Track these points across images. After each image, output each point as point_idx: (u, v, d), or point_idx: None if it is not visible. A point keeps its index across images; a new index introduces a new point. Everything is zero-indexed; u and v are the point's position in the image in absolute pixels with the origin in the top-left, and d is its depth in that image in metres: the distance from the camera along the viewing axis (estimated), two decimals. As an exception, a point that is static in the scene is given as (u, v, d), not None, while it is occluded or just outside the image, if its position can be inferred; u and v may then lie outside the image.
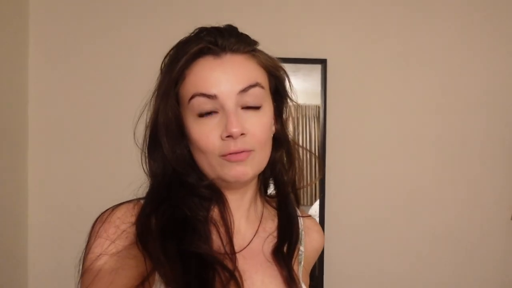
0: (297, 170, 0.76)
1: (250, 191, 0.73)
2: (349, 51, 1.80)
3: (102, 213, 0.64)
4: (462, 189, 1.80)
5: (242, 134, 0.63)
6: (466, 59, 1.81)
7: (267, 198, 0.79)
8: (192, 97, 0.64)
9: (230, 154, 0.64)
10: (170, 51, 0.68)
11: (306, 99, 1.80)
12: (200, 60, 0.65)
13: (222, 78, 0.64)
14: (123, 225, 0.61)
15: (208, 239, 0.64)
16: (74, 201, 1.69)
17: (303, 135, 1.82)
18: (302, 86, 1.78)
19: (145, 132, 0.69)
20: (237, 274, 0.62)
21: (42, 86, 1.71)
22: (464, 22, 1.82)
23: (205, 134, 0.64)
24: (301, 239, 0.78)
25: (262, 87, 0.67)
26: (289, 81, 0.75)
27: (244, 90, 0.64)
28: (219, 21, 0.70)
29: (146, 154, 0.69)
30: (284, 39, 1.74)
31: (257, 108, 0.66)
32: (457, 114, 1.81)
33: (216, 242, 0.65)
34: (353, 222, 1.78)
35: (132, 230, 0.61)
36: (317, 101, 1.78)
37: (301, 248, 0.77)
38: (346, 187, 1.78)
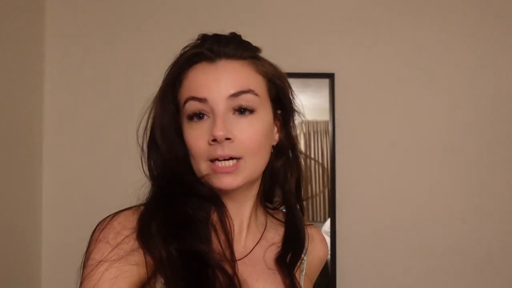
0: (301, 181, 0.76)
1: (250, 201, 0.72)
2: (357, 64, 1.78)
3: (102, 220, 0.63)
4: (474, 201, 1.75)
5: (228, 138, 0.63)
6: (476, 70, 1.78)
7: (269, 210, 0.79)
8: (186, 101, 0.66)
9: (217, 160, 0.64)
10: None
11: (316, 115, 1.77)
12: (196, 66, 0.67)
13: (213, 82, 0.65)
14: (123, 232, 0.60)
15: (208, 241, 0.64)
16: (89, 206, 1.68)
17: (315, 151, 1.79)
18: (311, 103, 1.76)
19: (144, 135, 0.71)
20: (236, 281, 0.62)
21: (57, 90, 1.75)
22: (474, 31, 1.79)
23: (195, 138, 0.65)
24: (305, 249, 0.77)
25: (256, 94, 0.67)
26: (291, 90, 0.75)
27: (235, 95, 0.65)
28: (226, 32, 0.71)
29: (146, 156, 0.71)
30: (290, 53, 1.73)
31: (249, 114, 0.66)
32: (468, 126, 1.77)
33: (216, 247, 0.65)
34: (364, 235, 1.74)
35: (133, 236, 0.60)
36: (327, 116, 1.74)
37: (304, 257, 0.77)
38: (357, 201, 1.75)
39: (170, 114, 0.68)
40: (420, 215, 1.74)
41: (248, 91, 0.65)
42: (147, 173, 0.70)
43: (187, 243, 0.61)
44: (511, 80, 1.78)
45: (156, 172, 0.70)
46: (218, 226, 0.67)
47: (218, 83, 0.65)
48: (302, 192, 0.77)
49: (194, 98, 0.65)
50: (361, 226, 1.73)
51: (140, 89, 1.58)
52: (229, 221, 0.67)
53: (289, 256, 0.73)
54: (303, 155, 0.78)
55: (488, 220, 1.74)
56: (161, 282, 0.60)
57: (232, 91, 0.64)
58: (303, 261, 0.77)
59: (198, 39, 0.69)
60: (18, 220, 1.58)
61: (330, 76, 1.75)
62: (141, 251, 0.60)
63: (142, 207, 0.66)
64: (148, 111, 0.71)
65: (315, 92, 1.75)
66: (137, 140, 0.71)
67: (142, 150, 0.71)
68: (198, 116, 0.65)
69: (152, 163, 0.70)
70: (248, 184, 0.69)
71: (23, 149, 1.62)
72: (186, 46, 0.70)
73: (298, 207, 0.78)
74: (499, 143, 1.76)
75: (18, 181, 1.59)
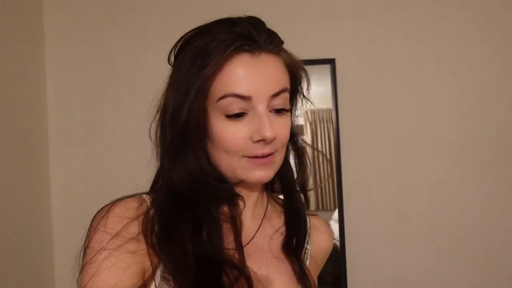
0: (306, 171, 0.75)
1: (259, 186, 0.72)
2: (358, 49, 1.76)
3: (101, 208, 0.62)
4: (483, 189, 1.72)
5: (273, 138, 0.63)
6: (482, 56, 1.74)
7: (273, 195, 0.79)
8: (223, 96, 0.62)
9: (256, 157, 0.63)
10: (189, 39, 0.65)
11: (321, 103, 1.75)
12: (236, 56, 0.62)
13: (257, 80, 0.62)
14: (123, 220, 0.60)
15: (220, 237, 0.63)
16: (98, 204, 1.66)
17: (322, 140, 1.78)
18: (316, 91, 1.72)
19: (160, 127, 0.67)
20: (246, 272, 0.62)
21: (59, 90, 1.76)
22: (479, 18, 1.75)
23: (232, 134, 0.63)
24: (308, 237, 0.77)
25: (289, 92, 0.67)
26: (308, 82, 0.73)
27: (276, 94, 0.64)
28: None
29: (161, 152, 0.67)
30: (289, 40, 1.68)
31: (284, 112, 0.66)
32: (474, 112, 1.74)
33: (226, 238, 0.64)
34: (372, 223, 1.73)
35: (133, 224, 0.60)
36: (331, 104, 1.73)
37: (307, 246, 0.76)
38: (363, 188, 1.74)
39: (201, 105, 0.63)
40: (427, 201, 1.72)
41: (285, 90, 0.65)
42: (165, 166, 0.67)
43: (198, 242, 0.60)
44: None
45: (180, 168, 0.65)
46: (226, 216, 0.66)
47: (262, 81, 0.62)
48: (306, 183, 0.76)
49: (236, 96, 0.61)
50: (368, 213, 1.73)
51: (144, 85, 1.60)
52: (239, 214, 0.66)
53: (294, 240, 0.72)
54: (304, 143, 0.77)
55: (499, 213, 1.71)
56: (160, 270, 0.60)
57: (275, 90, 0.63)
58: (306, 251, 0.76)
59: (227, 23, 0.64)
60: (28, 222, 1.60)
61: (331, 62, 1.73)
62: (141, 240, 0.59)
63: (143, 195, 0.66)
64: (162, 100, 0.67)
65: (319, 80, 1.73)
66: (149, 135, 0.69)
67: (156, 145, 0.68)
68: (238, 113, 0.63)
69: (172, 159, 0.66)
70: None
71: (29, 149, 1.63)
72: (213, 29, 0.63)
73: (302, 196, 0.77)
74: (509, 130, 1.73)
75: (26, 183, 1.60)
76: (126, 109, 1.74)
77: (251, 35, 0.62)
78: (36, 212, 1.66)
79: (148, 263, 0.59)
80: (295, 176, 0.75)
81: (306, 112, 1.74)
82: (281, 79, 0.65)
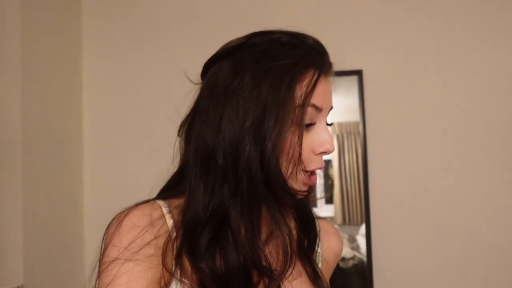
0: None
1: None
2: (386, 60, 1.75)
3: (117, 215, 0.62)
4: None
5: None
6: (510, 63, 1.69)
7: None
8: (308, 105, 0.62)
9: (312, 174, 0.65)
10: (253, 44, 0.64)
11: (349, 116, 1.74)
12: (320, 75, 0.65)
13: (328, 94, 0.67)
14: (136, 229, 0.59)
15: (258, 239, 0.63)
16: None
17: (349, 153, 1.75)
18: (343, 103, 1.74)
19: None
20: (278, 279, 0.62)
21: (95, 96, 1.84)
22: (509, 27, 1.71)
23: (304, 145, 0.63)
24: (318, 241, 0.77)
25: None
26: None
27: (331, 108, 0.68)
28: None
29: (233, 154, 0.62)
30: None
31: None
32: (505, 119, 1.68)
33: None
34: (400, 239, 1.69)
35: (147, 232, 0.60)
36: (358, 117, 1.72)
37: (318, 249, 0.76)
38: (391, 203, 1.70)
39: (289, 107, 0.61)
40: (458, 215, 1.67)
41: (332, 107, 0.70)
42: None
43: (231, 250, 0.61)
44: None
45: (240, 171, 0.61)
46: (270, 229, 0.64)
47: (329, 96, 0.67)
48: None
49: (314, 106, 0.64)
50: (396, 227, 1.69)
51: (176, 89, 1.65)
52: (284, 231, 0.64)
53: (306, 242, 0.73)
54: None
55: None
56: (177, 275, 0.60)
57: (332, 105, 0.68)
58: (318, 254, 0.76)
59: (311, 44, 0.67)
60: (60, 222, 1.65)
61: (358, 73, 1.72)
62: (156, 245, 0.59)
63: (157, 201, 0.65)
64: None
65: (346, 92, 1.72)
66: (179, 135, 0.70)
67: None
68: (310, 123, 0.64)
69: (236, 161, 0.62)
70: None
71: (64, 151, 1.70)
72: (298, 48, 0.65)
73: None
74: None
75: (60, 184, 1.66)
76: (158, 116, 1.78)
77: (325, 54, 0.68)
78: (69, 219, 1.71)
79: (163, 268, 0.59)
80: None
81: (333, 124, 1.73)
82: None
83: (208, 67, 0.68)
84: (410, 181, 1.71)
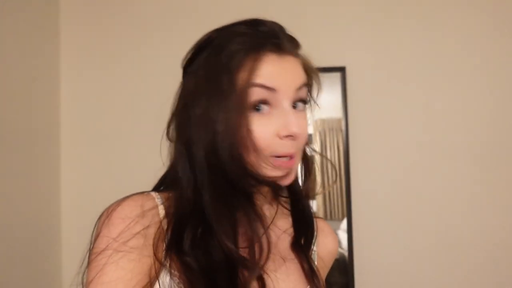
0: (313, 180, 0.75)
1: (269, 189, 0.70)
2: (369, 57, 1.76)
3: (108, 207, 0.62)
4: (491, 195, 1.70)
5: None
6: (496, 63, 1.73)
7: (281, 199, 0.76)
8: (250, 86, 0.60)
9: (280, 157, 0.62)
10: (211, 39, 0.65)
11: (331, 112, 1.75)
12: (265, 54, 0.62)
13: (283, 74, 0.62)
14: (126, 221, 0.59)
15: (235, 236, 0.61)
16: (106, 203, 1.71)
17: (331, 150, 1.77)
18: (326, 99, 1.70)
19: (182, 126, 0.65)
20: (260, 273, 0.61)
21: (73, 89, 1.80)
22: (493, 22, 1.74)
23: (262, 130, 0.61)
24: (314, 239, 0.76)
25: (308, 89, 0.68)
26: (319, 87, 0.73)
27: (299, 88, 0.64)
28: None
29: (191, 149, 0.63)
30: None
31: (303, 108, 0.66)
32: (485, 119, 1.72)
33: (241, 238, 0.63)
34: (381, 232, 1.71)
35: (138, 223, 0.59)
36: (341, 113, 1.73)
37: (314, 248, 0.76)
38: (372, 198, 1.72)
39: (232, 93, 0.61)
40: (437, 210, 1.70)
41: (307, 84, 0.66)
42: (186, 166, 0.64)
43: (217, 245, 0.60)
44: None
45: (199, 166, 0.62)
46: (244, 220, 0.64)
47: (287, 75, 0.63)
48: (312, 189, 0.75)
49: (262, 86, 0.61)
50: (377, 223, 1.71)
51: (155, 87, 1.63)
52: (258, 215, 0.63)
53: (302, 240, 0.72)
54: (313, 152, 0.77)
55: (504, 214, 1.69)
56: (166, 266, 0.59)
57: (298, 84, 0.63)
58: (313, 252, 0.76)
59: (254, 24, 0.65)
60: (37, 222, 1.62)
61: (341, 70, 1.72)
62: (146, 235, 0.59)
63: (151, 193, 0.65)
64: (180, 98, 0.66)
65: (329, 88, 1.72)
66: (167, 135, 0.68)
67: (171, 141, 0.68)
68: (262, 105, 0.61)
69: (198, 155, 0.63)
70: None
71: (41, 150, 1.67)
72: (239, 31, 0.64)
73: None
74: None
75: (37, 182, 1.63)
76: (135, 111, 1.76)
77: (279, 39, 0.63)
78: (45, 213, 1.68)
79: (154, 259, 0.59)
80: (301, 184, 0.74)
81: (316, 121, 1.74)
82: (302, 75, 0.65)
83: (184, 66, 0.70)
84: (391, 177, 1.73)
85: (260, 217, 0.63)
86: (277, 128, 0.61)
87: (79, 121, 1.79)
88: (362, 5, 1.76)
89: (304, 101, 0.66)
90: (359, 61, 1.74)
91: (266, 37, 0.63)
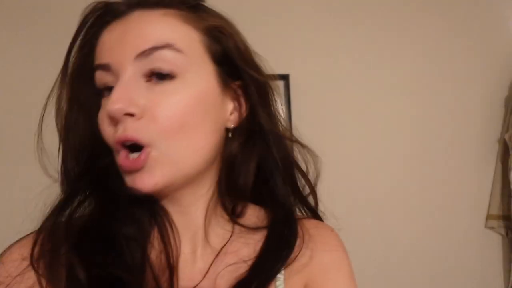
0: (293, 172, 0.62)
1: (201, 202, 0.54)
2: (313, 64, 1.73)
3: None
4: (434, 198, 1.75)
5: (129, 114, 0.46)
6: (441, 69, 1.79)
7: (244, 212, 0.59)
8: (94, 71, 0.51)
9: (126, 151, 0.48)
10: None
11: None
12: (106, 28, 0.51)
13: (117, 42, 0.48)
14: (16, 268, 0.47)
15: (140, 267, 0.47)
16: None
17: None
18: None
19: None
20: None
21: None
22: (435, 33, 1.80)
23: (101, 119, 0.49)
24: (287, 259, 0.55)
25: (179, 51, 0.49)
26: (251, 51, 0.60)
27: (146, 53, 0.47)
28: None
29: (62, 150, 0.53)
30: None
31: (170, 79, 0.48)
32: (426, 124, 1.77)
33: (151, 274, 0.47)
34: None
35: (30, 270, 0.46)
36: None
37: (281, 270, 0.54)
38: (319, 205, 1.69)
39: (90, 92, 0.51)
40: (381, 216, 1.72)
41: (165, 46, 0.48)
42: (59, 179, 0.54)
43: (104, 271, 0.45)
44: (476, 76, 1.81)
45: (73, 174, 0.52)
46: (158, 244, 0.50)
47: (122, 41, 0.48)
48: (300, 187, 0.63)
49: (98, 67, 0.49)
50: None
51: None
52: (172, 236, 0.51)
53: (254, 285, 0.51)
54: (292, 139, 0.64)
55: (451, 216, 1.75)
56: None
57: (141, 48, 0.47)
58: (278, 278, 0.54)
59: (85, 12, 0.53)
60: None
61: (285, 78, 1.69)
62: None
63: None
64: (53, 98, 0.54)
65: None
66: (38, 136, 0.55)
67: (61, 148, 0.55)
68: (109, 90, 0.49)
69: (68, 162, 0.53)
70: (188, 180, 0.51)
71: None
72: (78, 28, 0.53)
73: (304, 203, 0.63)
74: (457, 139, 1.79)
75: None
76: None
77: (105, 4, 0.52)
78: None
79: None
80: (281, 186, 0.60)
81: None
82: (159, 34, 0.48)
83: None
84: (335, 185, 1.71)
85: (142, 232, 0.50)
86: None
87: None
88: (307, 12, 1.75)
89: (166, 68, 0.48)
90: (303, 69, 1.72)
91: (88, 15, 0.52)
